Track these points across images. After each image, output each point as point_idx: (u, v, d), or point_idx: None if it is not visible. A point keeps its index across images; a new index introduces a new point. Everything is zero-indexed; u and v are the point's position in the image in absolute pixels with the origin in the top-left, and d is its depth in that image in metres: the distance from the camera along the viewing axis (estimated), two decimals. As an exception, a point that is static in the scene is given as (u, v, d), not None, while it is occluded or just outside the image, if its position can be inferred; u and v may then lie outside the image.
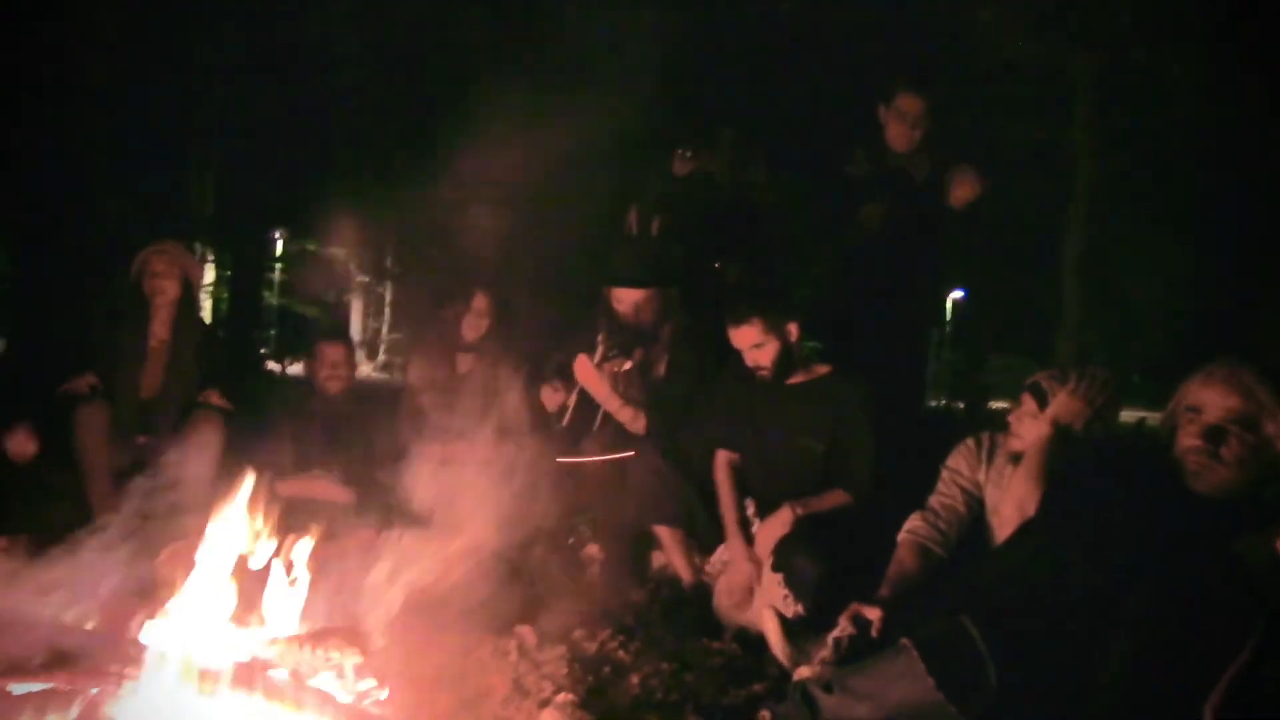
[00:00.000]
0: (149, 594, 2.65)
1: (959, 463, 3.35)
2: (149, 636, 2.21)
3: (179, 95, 11.41)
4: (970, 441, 3.38)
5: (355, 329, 18.06)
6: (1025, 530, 2.93)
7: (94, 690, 2.09)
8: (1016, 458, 3.14)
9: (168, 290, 4.74)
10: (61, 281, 7.67)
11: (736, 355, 3.94)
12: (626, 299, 4.43)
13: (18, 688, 2.16)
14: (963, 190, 4.55)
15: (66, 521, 3.78)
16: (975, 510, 3.29)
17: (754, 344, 3.86)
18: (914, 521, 3.29)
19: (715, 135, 5.56)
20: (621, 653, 3.41)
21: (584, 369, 4.29)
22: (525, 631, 3.47)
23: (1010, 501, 3.07)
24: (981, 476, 3.30)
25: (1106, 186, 10.94)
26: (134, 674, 2.07)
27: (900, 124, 4.65)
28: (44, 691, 2.15)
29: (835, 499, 3.80)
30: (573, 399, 4.41)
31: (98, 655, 2.09)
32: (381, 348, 17.39)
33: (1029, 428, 3.12)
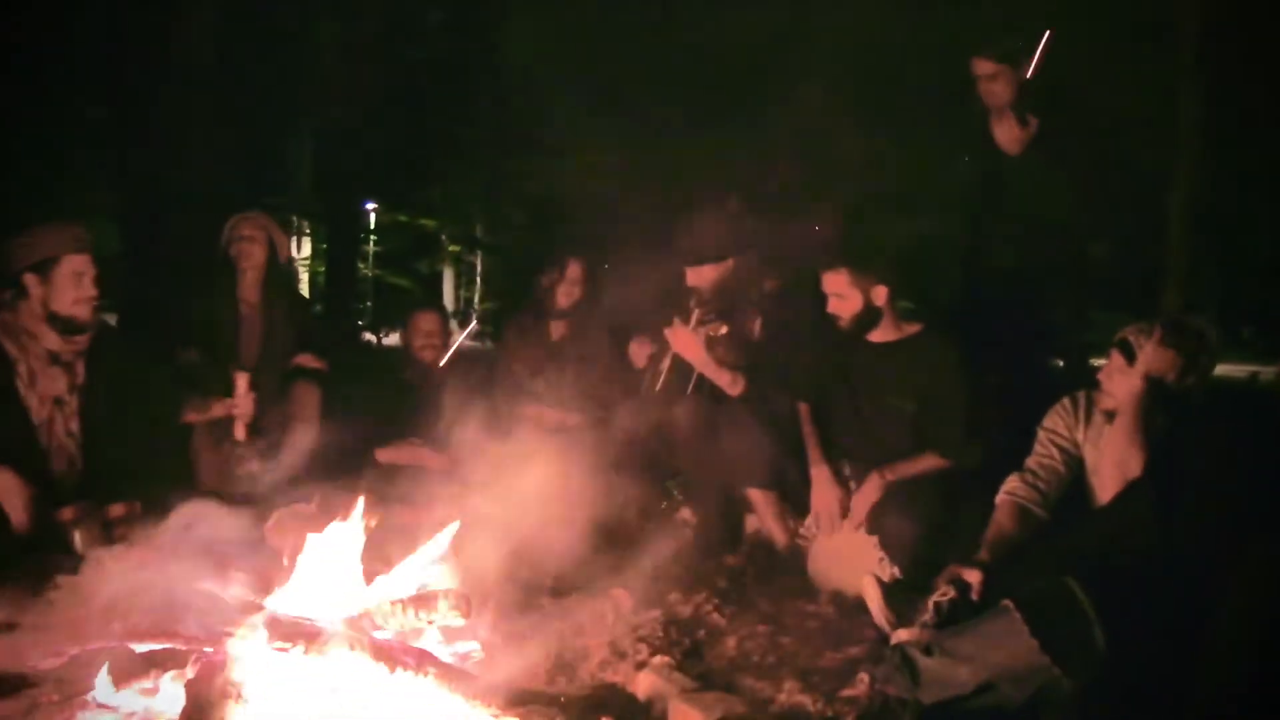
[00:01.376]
0: (258, 557, 2.75)
1: (1056, 423, 3.28)
2: (260, 598, 2.29)
3: (279, 70, 11.67)
4: (1067, 401, 3.30)
5: (447, 299, 18.34)
6: (1130, 490, 2.86)
7: (209, 649, 2.18)
8: (1110, 416, 3.06)
9: (254, 255, 4.85)
10: (166, 256, 7.93)
11: (827, 316, 3.90)
12: (701, 275, 4.41)
13: (139, 646, 2.27)
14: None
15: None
16: (1075, 470, 3.21)
17: (837, 293, 3.83)
18: (1012, 482, 3.23)
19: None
20: (717, 616, 3.42)
21: (679, 333, 4.28)
22: (620, 594, 3.50)
23: (1109, 461, 3.00)
24: (1080, 436, 3.21)
25: (1217, 129, 10.42)
26: (246, 634, 2.15)
27: (986, 84, 4.53)
28: (163, 650, 2.25)
29: (927, 462, 3.74)
30: (666, 363, 4.40)
31: (212, 616, 2.17)
32: (473, 317, 17.62)
33: (1119, 384, 3.03)
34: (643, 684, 2.75)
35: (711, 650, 3.13)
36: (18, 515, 3.29)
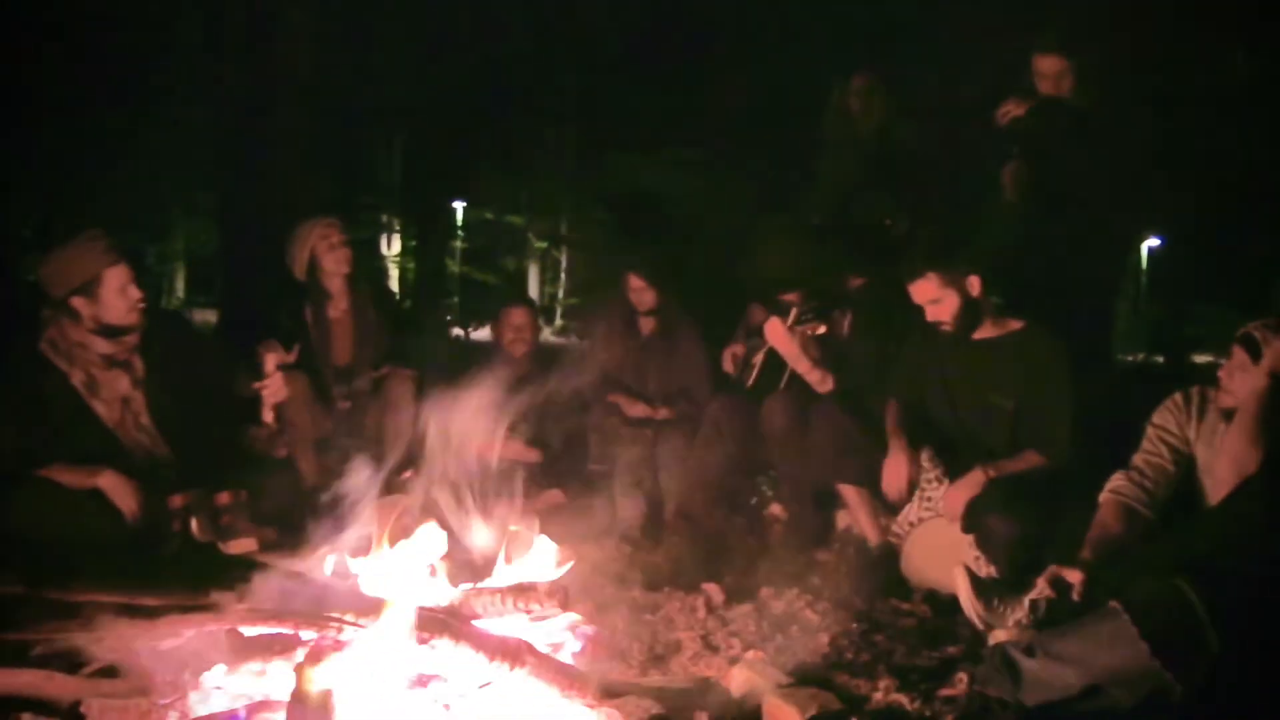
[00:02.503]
0: (360, 547, 2.81)
1: (1166, 419, 3.16)
2: (364, 586, 2.35)
3: (368, 72, 11.89)
4: (1178, 397, 3.18)
5: (533, 295, 18.53)
6: (1244, 489, 2.76)
7: (316, 635, 2.24)
8: (1229, 414, 2.95)
9: (345, 261, 4.91)
10: (263, 256, 8.15)
11: (922, 310, 3.84)
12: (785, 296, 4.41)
13: (248, 630, 2.33)
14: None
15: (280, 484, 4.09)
16: (1184, 469, 3.10)
17: (932, 299, 3.75)
18: (1118, 481, 3.13)
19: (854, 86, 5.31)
20: (809, 612, 3.40)
21: (776, 331, 4.26)
22: (712, 589, 3.51)
23: (1226, 460, 2.89)
24: (1191, 433, 3.10)
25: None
26: (351, 621, 2.20)
27: (1045, 81, 4.39)
28: (272, 635, 2.32)
29: (1028, 460, 3.65)
30: (759, 359, 4.40)
31: (318, 603, 2.23)
32: (558, 312, 17.78)
33: (1241, 382, 2.91)
34: (736, 678, 2.73)
35: (804, 646, 3.10)
36: (129, 507, 3.42)
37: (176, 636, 2.28)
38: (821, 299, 4.34)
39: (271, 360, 3.97)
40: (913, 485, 3.72)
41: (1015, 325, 3.80)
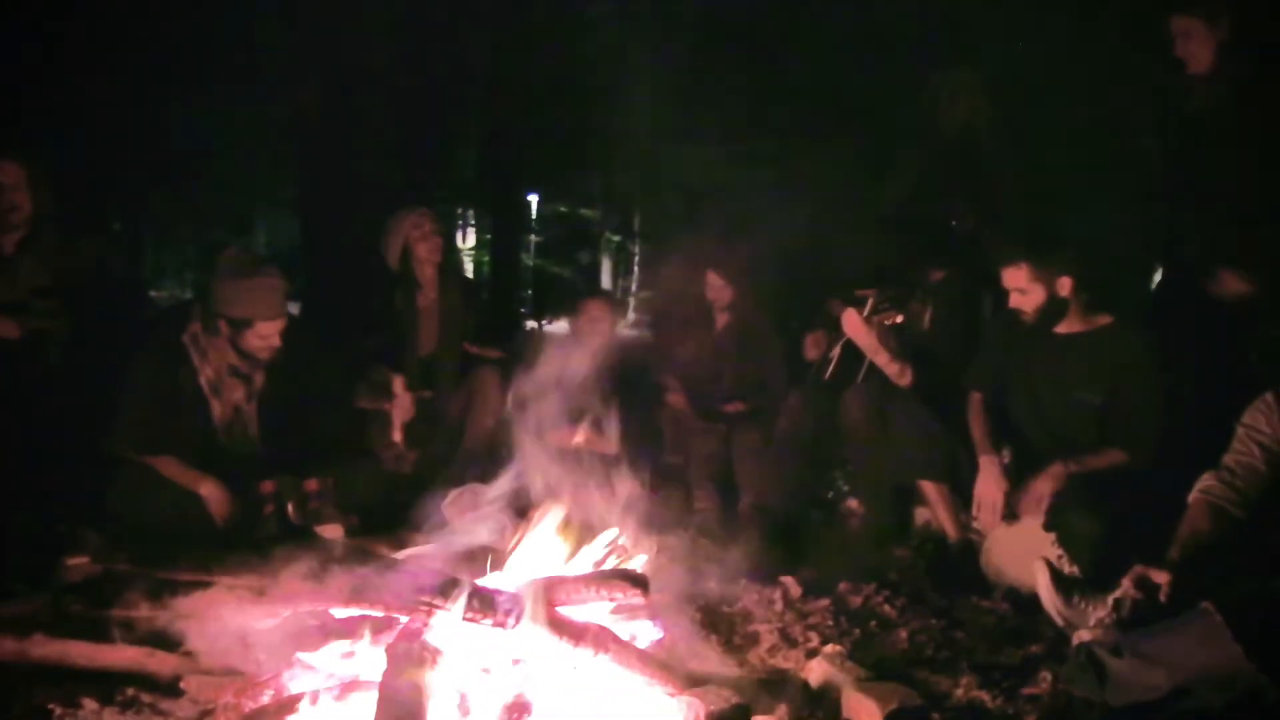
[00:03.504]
0: (444, 533, 2.88)
1: (1257, 419, 3.08)
2: (450, 571, 2.40)
3: (444, 66, 12.01)
4: (1269, 396, 3.10)
5: (606, 287, 18.60)
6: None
7: (405, 618, 2.30)
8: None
9: (435, 250, 5.00)
10: (343, 248, 8.32)
11: (1007, 301, 3.78)
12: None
13: (340, 612, 2.40)
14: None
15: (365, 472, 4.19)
16: (1275, 469, 3.02)
17: (1019, 288, 3.70)
18: (1207, 480, 3.06)
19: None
20: (887, 607, 3.39)
21: (853, 322, 4.24)
22: (790, 582, 3.51)
23: None
24: (1284, 433, 3.02)
25: None
26: (439, 605, 2.25)
27: (1184, 42, 4.19)
28: (362, 617, 2.38)
29: (1112, 458, 3.58)
30: (836, 351, 4.38)
31: (407, 587, 2.28)
32: (631, 305, 17.83)
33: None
34: (815, 671, 2.74)
35: (883, 642, 3.10)
36: (221, 514, 3.60)
37: (272, 616, 2.35)
38: (899, 290, 4.30)
39: (399, 382, 4.11)
40: (1007, 498, 3.63)
41: (1103, 320, 3.72)
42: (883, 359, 4.20)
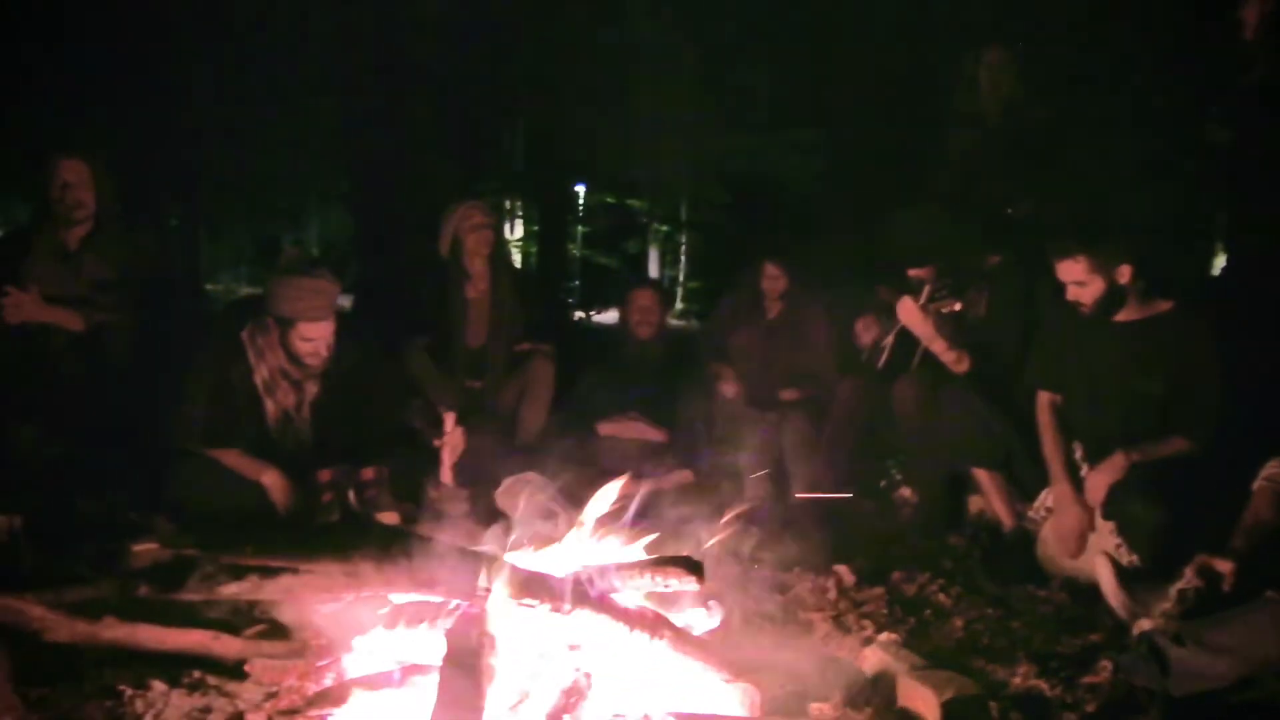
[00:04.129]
0: (500, 521, 2.90)
1: (1325, 406, 3.02)
2: (507, 557, 2.42)
3: (490, 57, 12.06)
4: None
5: (654, 276, 18.59)
6: None
7: (463, 603, 2.32)
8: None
9: (487, 242, 5.01)
10: (394, 240, 8.42)
11: (1062, 290, 3.71)
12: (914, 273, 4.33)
13: (399, 597, 2.44)
14: None
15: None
16: None
17: (1076, 280, 3.60)
18: (1273, 468, 3.01)
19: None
20: (942, 596, 3.37)
21: (908, 309, 4.20)
22: (843, 570, 3.50)
23: None
24: (1350, 420, 2.96)
25: None
26: (498, 590, 2.28)
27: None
28: (420, 602, 2.42)
29: (1174, 446, 3.50)
30: (890, 339, 4.34)
31: (464, 573, 2.31)
32: (679, 295, 17.82)
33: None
34: (870, 659, 2.74)
35: (938, 631, 3.09)
36: (282, 503, 3.65)
37: (334, 601, 2.40)
38: (956, 276, 4.25)
39: (451, 419, 4.11)
40: (1082, 536, 3.52)
41: (1163, 307, 3.63)
42: (939, 346, 4.16)
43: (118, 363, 4.21)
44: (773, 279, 5.02)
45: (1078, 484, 3.58)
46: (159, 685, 2.41)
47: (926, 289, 4.19)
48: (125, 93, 9.69)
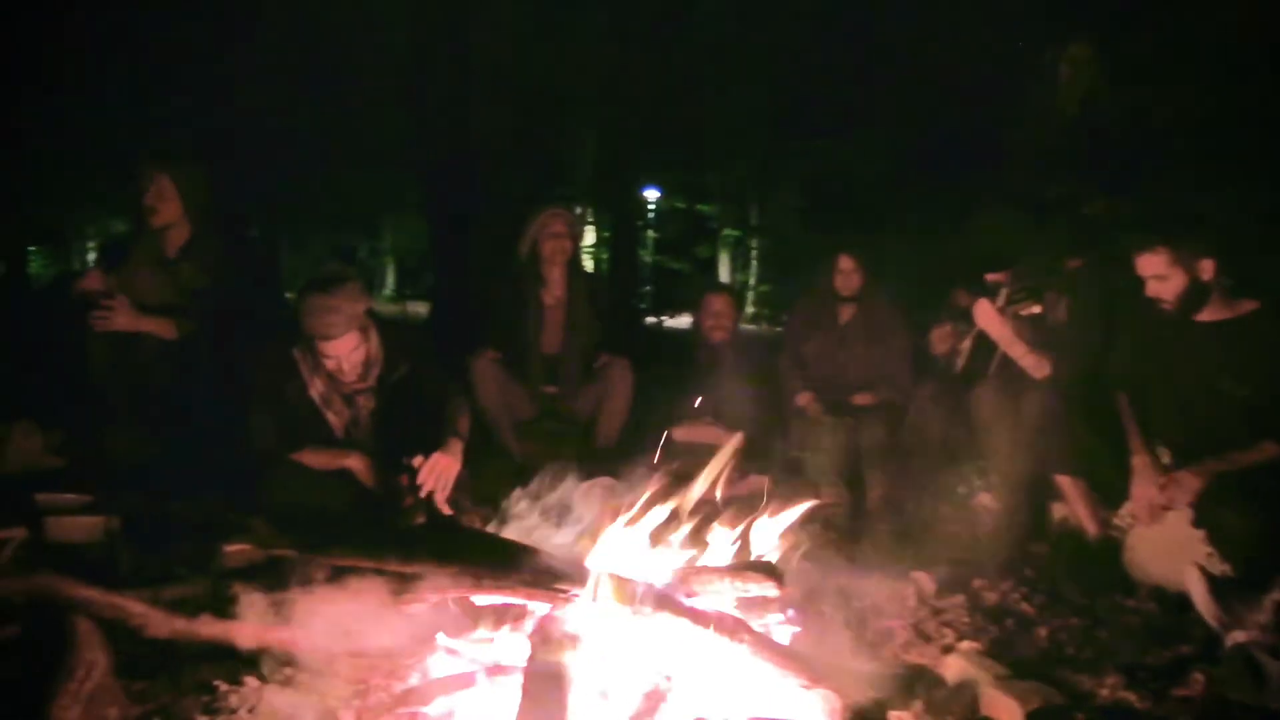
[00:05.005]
0: (580, 525, 2.93)
1: None
2: (587, 561, 2.45)
3: (561, 65, 12.19)
4: None
5: (724, 282, 18.57)
6: None
7: (546, 606, 2.36)
8: None
9: (565, 250, 5.06)
10: (465, 249, 8.55)
11: (1142, 288, 3.63)
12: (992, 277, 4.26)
13: (481, 599, 2.48)
14: None
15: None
16: None
17: (1157, 275, 3.53)
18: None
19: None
20: (1025, 605, 3.32)
21: (986, 313, 4.14)
22: (922, 577, 3.47)
23: None
24: None
25: None
26: (577, 594, 2.31)
27: None
28: (503, 605, 2.46)
29: (1265, 451, 3.39)
30: (967, 343, 4.28)
31: (545, 576, 2.34)
32: (750, 299, 17.77)
33: None
34: (951, 668, 2.71)
35: (1021, 640, 3.04)
36: (369, 482, 3.68)
37: (420, 602, 2.45)
38: (1034, 279, 4.18)
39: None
40: (1164, 498, 3.46)
41: (1249, 306, 3.53)
42: (1018, 351, 4.10)
43: (209, 368, 4.34)
44: (846, 274, 4.96)
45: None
46: (252, 681, 2.48)
47: (1004, 292, 4.13)
48: (211, 108, 10.00)
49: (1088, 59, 4.81)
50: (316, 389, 3.74)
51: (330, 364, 3.68)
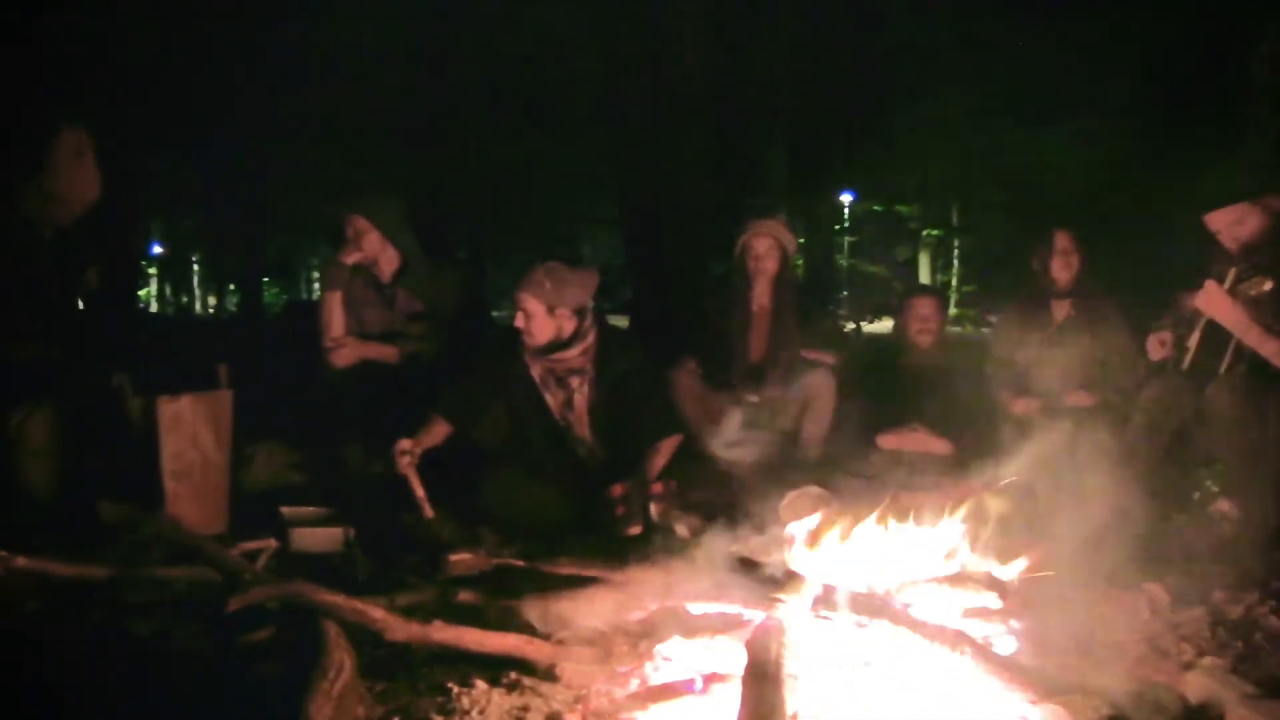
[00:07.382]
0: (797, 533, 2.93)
1: None
2: (802, 571, 2.45)
3: (751, 74, 12.25)
4: None
5: (928, 284, 18.10)
6: None
7: (761, 614, 2.38)
8: None
9: (771, 261, 5.09)
10: (665, 262, 8.68)
11: None
12: (1228, 220, 3.93)
13: (696, 608, 2.53)
14: None
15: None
16: None
17: None
18: None
19: None
20: (1274, 619, 3.07)
21: (1214, 296, 3.85)
22: (1156, 589, 3.27)
23: None
24: None
25: None
26: (795, 602, 2.31)
27: None
28: (719, 614, 2.49)
29: None
30: (1195, 338, 3.98)
31: (761, 583, 2.37)
32: (952, 300, 17.25)
33: None
34: (1193, 685, 2.54)
35: (1272, 657, 2.82)
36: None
37: (640, 610, 2.51)
38: (1265, 253, 3.85)
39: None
40: None
41: None
42: (1254, 337, 3.76)
43: (428, 387, 4.59)
44: (1065, 254, 4.73)
45: None
46: (481, 684, 2.60)
47: (1233, 271, 3.81)
48: (418, 145, 10.58)
49: None
50: (538, 370, 4.05)
51: (519, 319, 3.95)
